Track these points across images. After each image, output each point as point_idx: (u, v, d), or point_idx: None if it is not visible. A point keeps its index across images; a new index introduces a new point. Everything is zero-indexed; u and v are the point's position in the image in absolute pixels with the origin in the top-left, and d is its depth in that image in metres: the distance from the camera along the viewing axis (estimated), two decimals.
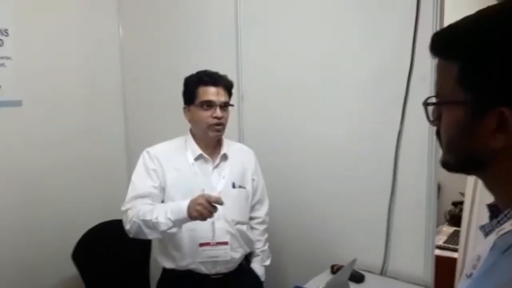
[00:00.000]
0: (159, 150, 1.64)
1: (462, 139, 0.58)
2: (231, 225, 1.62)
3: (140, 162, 1.63)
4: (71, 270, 1.89)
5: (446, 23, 0.61)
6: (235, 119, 2.10)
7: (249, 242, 1.70)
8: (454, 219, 2.32)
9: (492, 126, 0.53)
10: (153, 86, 2.47)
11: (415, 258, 1.68)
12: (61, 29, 2.28)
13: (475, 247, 1.57)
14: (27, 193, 2.14)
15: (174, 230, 1.47)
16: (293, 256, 2.03)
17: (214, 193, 1.59)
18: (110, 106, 2.54)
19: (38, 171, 2.19)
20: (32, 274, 2.15)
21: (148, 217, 1.47)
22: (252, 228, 1.76)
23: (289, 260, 2.04)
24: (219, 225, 1.59)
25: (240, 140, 2.08)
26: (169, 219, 1.44)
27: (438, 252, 1.88)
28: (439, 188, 2.39)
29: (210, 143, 1.65)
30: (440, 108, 0.62)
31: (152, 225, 1.47)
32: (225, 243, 1.58)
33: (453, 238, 2.14)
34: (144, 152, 1.64)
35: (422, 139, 1.60)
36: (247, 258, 1.75)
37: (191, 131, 1.67)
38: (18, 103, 2.11)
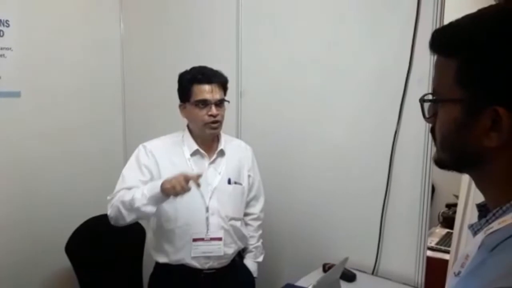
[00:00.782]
0: (156, 144, 1.65)
1: (456, 136, 0.59)
2: (225, 221, 1.63)
3: (133, 156, 1.64)
4: (65, 262, 1.90)
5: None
6: (234, 115, 2.11)
7: (242, 238, 1.71)
8: (447, 221, 2.34)
9: (486, 125, 0.54)
10: (153, 80, 2.48)
11: (407, 258, 1.70)
12: (63, 22, 2.28)
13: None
14: (23, 184, 2.15)
15: (149, 208, 1.45)
16: (286, 254, 2.04)
17: (209, 188, 1.61)
18: (109, 99, 2.54)
19: (35, 163, 2.19)
20: (26, 265, 2.15)
21: (126, 198, 1.47)
22: (246, 224, 1.78)
23: (282, 258, 2.05)
24: (213, 221, 1.60)
25: (238, 136, 2.09)
26: (145, 195, 1.44)
27: (430, 253, 1.89)
28: (433, 189, 2.41)
29: (207, 139, 1.66)
30: (436, 106, 0.62)
31: (129, 204, 1.46)
32: (219, 239, 1.59)
33: (446, 240, 2.16)
34: (140, 146, 1.65)
35: (418, 140, 1.62)
36: (240, 253, 1.76)
37: (188, 126, 1.68)
38: (17, 94, 2.12)
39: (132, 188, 1.53)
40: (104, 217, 2.00)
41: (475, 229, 0.61)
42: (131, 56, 2.56)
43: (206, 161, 1.65)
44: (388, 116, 1.69)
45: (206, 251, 1.59)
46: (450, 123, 0.59)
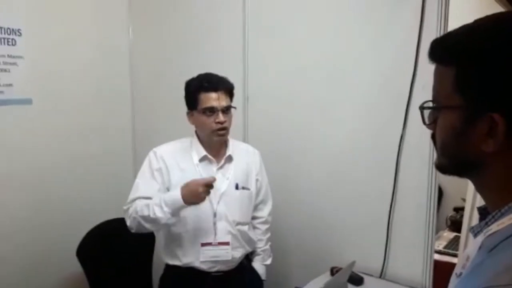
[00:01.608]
0: (165, 150, 1.68)
1: (455, 142, 0.61)
2: (232, 225, 1.65)
3: (145, 163, 1.68)
4: (76, 267, 1.93)
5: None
6: (240, 119, 2.13)
7: (250, 241, 1.73)
8: (455, 225, 2.34)
9: (483, 131, 0.56)
10: (161, 86, 2.51)
11: (414, 262, 1.70)
12: (72, 30, 2.32)
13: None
14: (35, 189, 2.19)
15: (171, 220, 1.55)
16: (294, 257, 2.06)
17: (217, 193, 1.63)
18: (118, 105, 2.58)
19: (47, 168, 2.23)
20: (37, 269, 2.19)
21: (146, 213, 1.53)
22: (254, 227, 1.80)
23: (290, 261, 2.06)
24: (221, 226, 1.63)
25: (245, 139, 2.12)
26: (166, 211, 1.51)
27: (437, 257, 1.90)
28: (441, 193, 2.42)
29: (215, 145, 1.68)
30: (436, 112, 0.65)
31: (151, 220, 1.54)
32: (227, 243, 1.61)
33: (453, 244, 2.16)
34: (151, 152, 1.68)
35: (424, 144, 1.63)
36: (249, 256, 1.78)
37: (196, 132, 1.70)
38: (28, 101, 2.16)
39: (148, 200, 1.58)
40: (114, 221, 2.06)
41: (475, 231, 0.63)
42: (139, 62, 2.60)
43: (214, 167, 1.68)
44: (394, 121, 1.70)
45: (214, 256, 1.61)
46: (449, 129, 0.61)
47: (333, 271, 1.78)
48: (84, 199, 2.36)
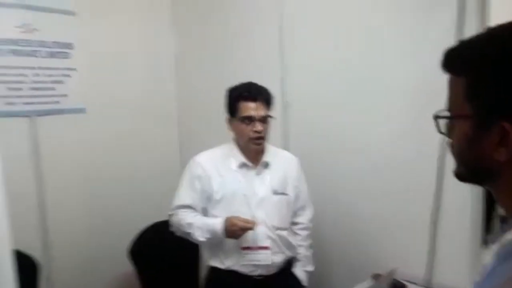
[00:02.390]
0: (205, 157, 1.75)
1: (469, 151, 0.62)
2: (271, 230, 1.68)
3: (186, 170, 1.75)
4: (128, 266, 2.05)
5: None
6: (279, 125, 2.15)
7: (290, 247, 1.75)
8: None
9: (495, 140, 0.57)
10: (204, 94, 2.58)
11: (461, 270, 1.64)
12: (121, 43, 2.45)
13: None
14: (89, 193, 2.34)
15: (208, 242, 1.69)
16: (335, 263, 2.05)
17: (256, 198, 1.67)
18: (164, 113, 2.69)
19: (99, 172, 2.38)
20: (92, 268, 2.34)
21: (187, 230, 1.67)
22: (295, 233, 1.81)
23: (331, 267, 2.06)
24: (260, 230, 1.66)
25: (285, 146, 2.13)
26: (206, 237, 1.64)
27: None
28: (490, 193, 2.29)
29: (253, 151, 1.72)
30: (450, 121, 0.66)
31: (192, 238, 1.68)
32: (266, 248, 1.64)
33: None
34: (191, 160, 1.76)
35: None
36: (290, 262, 1.79)
37: (235, 139, 1.75)
38: (82, 110, 2.31)
39: (187, 208, 1.71)
40: (163, 223, 2.15)
41: (493, 240, 0.63)
42: (184, 71, 2.69)
43: (252, 173, 1.72)
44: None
45: (254, 260, 1.65)
46: (463, 138, 0.62)
47: (375, 277, 1.76)
48: (135, 202, 2.48)
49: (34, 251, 1.95)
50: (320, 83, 2.02)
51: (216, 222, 1.61)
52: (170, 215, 1.74)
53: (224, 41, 2.43)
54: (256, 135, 1.64)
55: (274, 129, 2.09)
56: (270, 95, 1.70)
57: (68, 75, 2.27)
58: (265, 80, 2.10)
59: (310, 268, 1.83)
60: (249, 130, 1.64)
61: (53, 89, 2.21)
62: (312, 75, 2.05)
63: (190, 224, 1.65)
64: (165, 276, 2.13)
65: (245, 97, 1.64)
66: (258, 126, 1.63)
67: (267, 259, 1.65)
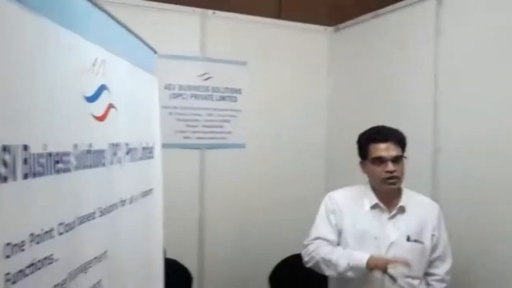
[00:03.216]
0: (339, 194, 1.82)
1: None
2: (400, 277, 1.60)
3: (322, 204, 1.83)
4: None
5: None
6: (429, 171, 2.05)
7: None
8: None
9: None
10: (353, 133, 2.63)
11: None
12: (280, 87, 2.74)
13: None
14: (242, 218, 2.62)
15: (349, 274, 1.62)
16: None
17: (386, 242, 1.64)
18: (314, 149, 2.85)
19: (253, 200, 2.64)
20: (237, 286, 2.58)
21: (328, 257, 1.67)
22: (429, 284, 1.71)
23: None
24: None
25: (434, 194, 2.01)
26: (348, 264, 1.61)
27: None
28: None
29: (387, 194, 1.71)
30: None
31: (331, 264, 1.66)
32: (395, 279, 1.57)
33: None
34: (326, 196, 1.84)
35: None
36: None
37: (369, 182, 1.77)
38: (242, 146, 2.65)
39: (325, 240, 1.74)
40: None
41: None
42: (335, 111, 2.83)
43: (385, 215, 1.70)
44: None
45: None
46: None
47: None
48: (279, 234, 2.65)
49: (190, 263, 2.31)
50: (477, 129, 1.87)
51: (362, 255, 1.61)
52: (306, 245, 1.80)
53: (377, 84, 2.48)
54: (388, 175, 1.63)
55: (423, 176, 2.03)
56: (402, 135, 1.69)
57: (234, 116, 2.65)
58: (416, 124, 2.09)
59: None
60: (380, 171, 1.65)
61: (221, 126, 2.61)
62: (466, 118, 1.92)
63: (332, 251, 1.68)
64: None
65: (375, 139, 1.67)
66: (390, 166, 1.63)
67: None
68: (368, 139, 1.70)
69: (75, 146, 0.95)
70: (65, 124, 0.91)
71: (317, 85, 2.86)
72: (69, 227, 0.90)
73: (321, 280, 2.17)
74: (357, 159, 2.49)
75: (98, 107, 1.09)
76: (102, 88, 1.12)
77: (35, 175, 0.79)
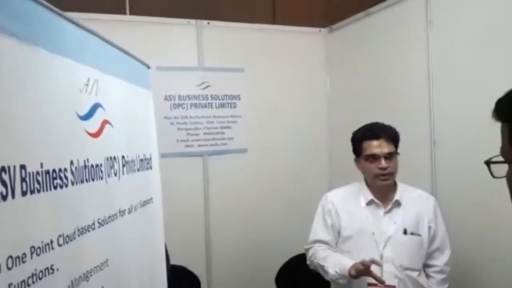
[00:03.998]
0: (336, 194, 1.87)
1: None
2: (399, 270, 1.66)
3: (319, 206, 1.89)
4: None
5: None
6: (427, 165, 2.08)
7: None
8: None
9: None
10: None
11: None
12: (279, 90, 2.79)
13: None
14: (247, 221, 2.68)
15: (341, 281, 1.68)
16: None
17: (384, 237, 1.68)
18: (316, 151, 2.89)
19: (257, 204, 2.70)
20: None
21: (321, 263, 1.75)
22: (428, 276, 1.74)
23: None
24: (387, 269, 1.66)
25: (432, 187, 2.04)
26: (336, 272, 1.67)
27: None
28: None
29: (382, 189, 1.75)
30: (503, 166, 0.70)
31: (323, 271, 1.74)
32: (393, 287, 1.61)
33: None
34: (323, 197, 1.89)
35: None
36: None
37: (365, 178, 1.81)
38: (244, 151, 2.71)
39: (323, 243, 1.80)
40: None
41: None
42: (335, 111, 2.87)
43: (381, 211, 1.74)
44: None
45: None
46: (509, 181, 0.67)
47: None
48: (284, 233, 2.70)
49: (198, 268, 2.38)
50: (471, 122, 1.89)
51: (347, 262, 1.64)
52: (307, 249, 1.87)
53: (374, 82, 2.51)
54: (381, 171, 1.67)
55: (422, 169, 2.06)
56: (394, 132, 1.73)
57: (235, 122, 2.71)
58: (413, 118, 2.12)
59: None
60: (374, 167, 1.69)
61: (222, 133, 2.67)
62: (461, 111, 1.95)
63: (325, 258, 1.75)
64: None
65: (368, 136, 1.71)
66: (383, 163, 1.67)
67: None
68: (361, 136, 1.75)
69: (72, 162, 1.02)
70: (61, 142, 0.98)
71: (315, 86, 2.91)
72: (69, 238, 0.97)
73: (326, 280, 2.22)
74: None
75: (92, 124, 1.15)
76: (96, 106, 1.19)
77: (32, 192, 0.86)
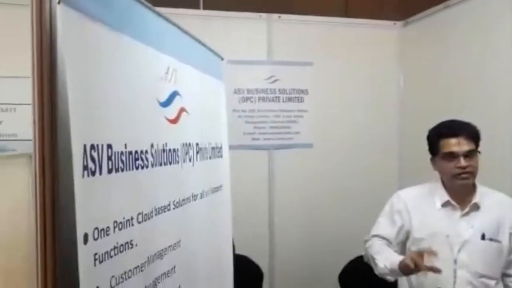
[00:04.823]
0: (409, 193, 1.78)
1: None
2: (474, 276, 1.55)
3: (388, 203, 1.81)
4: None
5: None
6: (509, 168, 1.93)
7: None
8: None
9: None
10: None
11: None
12: (347, 85, 2.73)
13: None
14: (310, 215, 2.65)
15: (389, 277, 1.60)
16: None
17: (459, 240, 1.58)
18: (385, 147, 2.79)
19: (321, 199, 2.67)
20: (307, 282, 2.62)
21: (374, 255, 1.67)
22: (507, 286, 1.62)
23: None
24: (461, 274, 1.56)
25: None
26: (386, 266, 1.59)
27: None
28: None
29: (459, 191, 1.64)
30: None
31: (374, 264, 1.67)
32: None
33: None
34: (395, 194, 1.81)
35: None
36: None
37: (441, 178, 1.71)
38: (310, 146, 2.68)
39: (383, 239, 1.72)
40: None
41: None
42: (408, 107, 2.75)
43: (458, 213, 1.63)
44: None
45: None
46: None
47: None
48: (348, 233, 2.61)
49: (261, 260, 2.39)
50: None
51: (399, 257, 1.56)
52: (366, 241, 1.79)
53: (453, 78, 2.36)
54: (460, 170, 1.57)
55: (505, 171, 1.92)
56: (474, 129, 1.61)
57: (301, 116, 2.70)
58: (496, 118, 1.99)
59: None
60: (452, 167, 1.59)
61: (289, 127, 2.67)
62: None
63: (378, 251, 1.67)
64: None
65: (445, 134, 1.61)
66: (462, 162, 1.56)
67: None
68: (438, 134, 1.65)
69: (152, 145, 1.07)
70: (143, 126, 1.04)
71: (387, 83, 2.80)
72: (147, 216, 1.03)
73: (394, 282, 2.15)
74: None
75: (171, 111, 1.21)
76: (174, 94, 1.24)
77: (117, 170, 0.91)
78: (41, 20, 0.79)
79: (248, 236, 2.39)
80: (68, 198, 0.77)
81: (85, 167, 0.80)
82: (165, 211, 1.13)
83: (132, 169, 0.98)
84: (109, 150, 0.89)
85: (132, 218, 0.96)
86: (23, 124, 2.16)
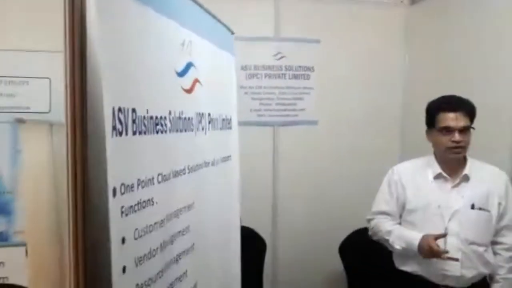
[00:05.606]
0: (403, 166, 1.88)
1: None
2: (463, 243, 1.65)
3: (385, 178, 1.90)
4: (338, 264, 2.38)
5: None
6: (508, 141, 2.00)
7: (487, 264, 1.67)
8: None
9: None
10: None
11: None
12: (353, 63, 2.78)
13: None
14: (313, 191, 2.75)
15: (403, 252, 1.73)
16: None
17: (450, 210, 1.68)
18: (388, 125, 2.86)
19: (324, 176, 2.75)
20: (304, 261, 2.73)
21: (385, 237, 1.79)
22: (495, 253, 1.72)
23: None
24: (451, 241, 1.65)
25: None
26: (403, 247, 1.71)
27: None
28: None
29: (451, 163, 1.73)
30: None
31: (389, 245, 1.78)
32: (455, 259, 1.61)
33: None
34: (390, 170, 1.90)
35: None
36: (486, 281, 1.71)
37: (434, 151, 1.79)
38: (315, 123, 2.75)
39: (385, 214, 1.84)
40: None
41: None
42: (412, 89, 2.79)
43: (449, 185, 1.73)
44: None
45: (442, 269, 1.65)
46: None
47: None
48: (349, 208, 2.70)
49: (265, 232, 2.49)
50: None
51: (414, 238, 1.67)
52: (369, 220, 1.91)
53: (459, 59, 2.39)
54: (454, 144, 1.65)
55: (501, 147, 1.98)
56: (472, 106, 1.68)
57: (307, 93, 2.76)
58: (497, 93, 2.04)
59: None
60: (447, 140, 1.67)
61: (294, 104, 2.74)
62: None
63: (389, 232, 1.78)
64: (372, 277, 2.28)
65: (444, 108, 1.68)
66: (457, 137, 1.64)
67: (455, 270, 1.63)
68: (438, 108, 1.72)
69: (170, 112, 1.14)
70: (162, 93, 1.11)
71: (392, 61, 2.84)
72: (165, 178, 1.11)
73: (389, 252, 2.24)
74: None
75: (187, 81, 1.28)
76: (190, 65, 1.30)
77: (140, 133, 0.99)
78: None
79: (252, 210, 2.48)
80: (100, 155, 0.85)
81: (114, 127, 0.88)
82: (181, 175, 1.21)
83: (153, 133, 1.05)
84: (134, 114, 0.96)
85: (153, 178, 1.04)
86: (36, 97, 2.26)
